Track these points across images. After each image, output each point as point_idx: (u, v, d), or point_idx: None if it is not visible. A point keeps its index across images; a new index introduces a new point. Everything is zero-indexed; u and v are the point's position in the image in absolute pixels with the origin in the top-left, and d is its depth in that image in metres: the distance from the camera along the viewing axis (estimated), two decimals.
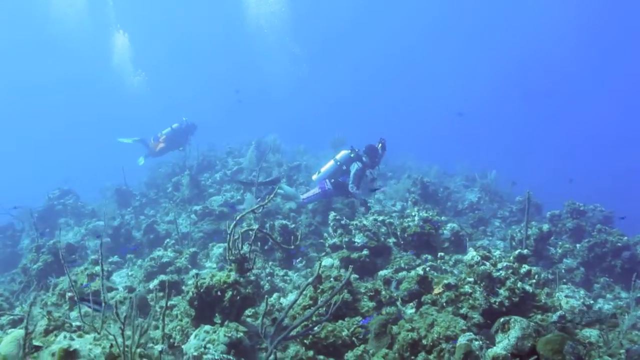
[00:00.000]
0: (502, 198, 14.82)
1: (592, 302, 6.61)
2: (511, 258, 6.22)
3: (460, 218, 12.50)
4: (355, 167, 9.69)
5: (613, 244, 9.51)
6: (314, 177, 10.36)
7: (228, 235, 5.64)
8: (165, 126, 15.99)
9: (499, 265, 5.86)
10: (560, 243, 9.79)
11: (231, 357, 4.59)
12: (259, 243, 8.85)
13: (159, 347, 3.82)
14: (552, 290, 6.61)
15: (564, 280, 8.47)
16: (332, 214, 8.14)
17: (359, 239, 7.49)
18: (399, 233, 7.81)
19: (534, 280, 6.46)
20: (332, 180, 9.96)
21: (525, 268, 6.18)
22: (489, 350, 4.06)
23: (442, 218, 9.26)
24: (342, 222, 7.90)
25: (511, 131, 49.00)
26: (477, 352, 4.01)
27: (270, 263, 8.55)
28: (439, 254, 7.91)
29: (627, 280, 9.23)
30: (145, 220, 12.62)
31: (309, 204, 10.66)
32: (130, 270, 9.55)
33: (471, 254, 5.99)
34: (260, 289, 6.68)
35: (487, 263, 5.90)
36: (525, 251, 6.23)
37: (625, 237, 9.64)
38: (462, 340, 4.18)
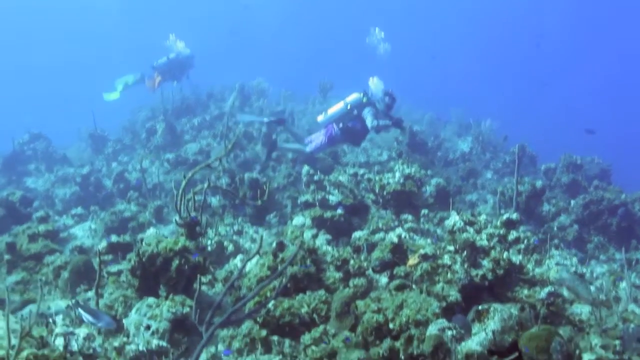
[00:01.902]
0: (496, 148, 14.12)
1: (584, 270, 6.01)
2: (498, 223, 5.59)
3: (450, 169, 11.84)
4: (368, 111, 8.56)
5: (610, 201, 8.91)
6: (319, 118, 9.26)
7: (176, 196, 4.96)
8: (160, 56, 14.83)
9: (484, 233, 5.23)
10: (554, 201, 9.18)
11: (164, 343, 3.98)
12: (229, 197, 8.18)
13: (60, 343, 3.18)
14: (542, 257, 6.01)
15: (556, 240, 7.89)
16: (305, 168, 7.43)
17: (333, 197, 6.83)
18: (377, 190, 7.13)
19: (522, 246, 5.86)
20: (341, 125, 8.86)
21: (513, 235, 5.56)
22: (463, 344, 3.46)
23: (428, 172, 8.58)
24: (316, 177, 7.20)
25: (516, 77, 47.59)
26: (449, 345, 3.41)
27: (239, 219, 7.91)
28: (422, 211, 7.28)
29: (622, 239, 8.69)
30: (117, 168, 11.92)
31: (316, 153, 9.63)
32: (93, 223, 8.90)
33: (453, 219, 5.35)
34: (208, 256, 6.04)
35: (471, 229, 5.26)
36: (514, 216, 5.60)
37: (624, 195, 9.04)
38: (433, 329, 3.57)
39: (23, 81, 44.36)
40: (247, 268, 5.45)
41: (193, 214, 5.12)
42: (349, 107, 8.79)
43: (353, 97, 8.93)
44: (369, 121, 8.37)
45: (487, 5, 52.42)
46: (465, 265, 4.73)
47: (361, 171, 8.60)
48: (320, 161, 10.39)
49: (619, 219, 8.70)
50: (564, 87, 45.71)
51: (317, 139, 8.99)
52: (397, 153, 9.07)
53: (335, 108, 8.99)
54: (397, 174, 7.08)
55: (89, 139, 14.43)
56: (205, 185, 5.15)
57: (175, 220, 5.07)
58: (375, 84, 8.87)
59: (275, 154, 9.84)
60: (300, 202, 7.24)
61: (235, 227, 7.58)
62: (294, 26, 49.95)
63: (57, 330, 3.60)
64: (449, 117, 17.54)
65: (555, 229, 8.71)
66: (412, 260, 4.90)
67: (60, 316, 4.15)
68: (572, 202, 9.38)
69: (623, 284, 6.74)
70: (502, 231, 5.47)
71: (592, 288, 6.01)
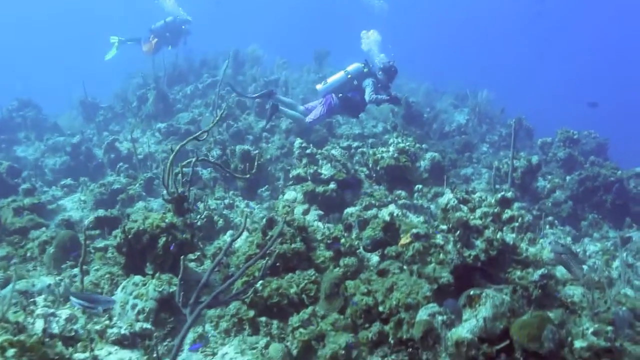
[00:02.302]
0: (492, 120, 13.96)
1: (578, 250, 5.94)
2: (493, 201, 5.48)
3: (445, 142, 11.70)
4: (369, 82, 8.37)
5: (605, 177, 8.82)
6: (319, 86, 8.99)
7: (163, 171, 4.82)
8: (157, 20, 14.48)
9: (478, 211, 5.12)
10: (550, 177, 9.08)
11: (148, 325, 3.90)
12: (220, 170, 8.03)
13: (40, 325, 3.08)
14: (535, 236, 5.92)
15: (550, 218, 7.82)
16: (297, 141, 7.27)
17: (326, 171, 6.69)
18: (371, 165, 7.00)
19: (516, 224, 5.78)
20: (340, 94, 8.59)
21: (508, 213, 5.46)
22: (453, 331, 3.38)
23: (423, 145, 8.44)
24: (308, 150, 7.05)
25: (515, 47, 46.95)
26: (439, 331, 3.34)
27: (231, 192, 7.79)
28: (417, 186, 7.18)
29: (616, 217, 8.64)
30: (108, 136, 11.71)
31: (316, 124, 9.42)
32: (82, 195, 8.76)
33: (447, 197, 5.22)
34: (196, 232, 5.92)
35: (465, 208, 5.15)
36: (509, 194, 5.49)
37: (619, 171, 8.94)
38: (423, 314, 3.50)
39: (14, 45, 43.50)
40: (237, 244, 5.37)
41: (181, 189, 4.98)
42: (349, 76, 8.57)
43: (354, 66, 8.70)
44: (367, 93, 8.18)
45: None
46: (458, 246, 4.64)
47: (355, 144, 8.46)
48: (315, 132, 10.23)
49: (614, 195, 8.62)
50: (562, 58, 45.26)
51: (316, 109, 8.78)
52: (392, 126, 8.89)
53: (335, 77, 8.75)
54: (391, 148, 6.94)
55: (80, 106, 14.15)
56: (193, 159, 4.99)
57: (163, 195, 4.94)
58: (370, 42, 8.65)
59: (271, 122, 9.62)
60: (291, 176, 7.12)
61: (227, 201, 7.47)
62: None
63: (38, 311, 3.50)
64: (446, 87, 17.30)
65: (549, 204, 8.63)
66: (404, 239, 4.80)
67: (42, 296, 4.05)
68: (568, 177, 9.28)
69: (616, 263, 6.72)
70: (496, 209, 5.37)
71: (585, 268, 5.97)
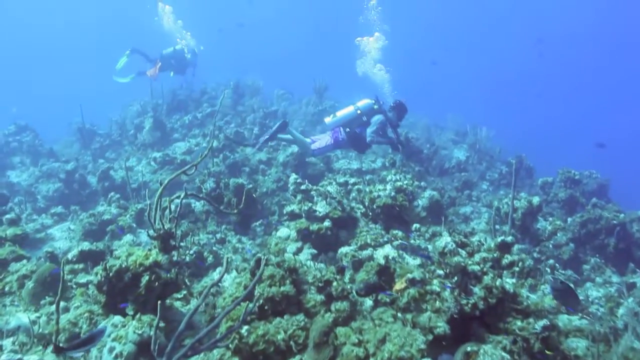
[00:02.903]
0: (492, 157, 13.83)
1: (582, 297, 5.70)
2: (492, 245, 5.28)
3: (445, 178, 11.53)
4: (377, 119, 8.39)
5: (608, 220, 8.62)
6: (328, 119, 8.91)
7: (149, 206, 4.62)
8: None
9: (477, 256, 4.91)
10: (551, 219, 8.88)
11: None
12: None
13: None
14: (537, 281, 5.70)
15: (552, 261, 7.58)
16: (292, 176, 7.08)
17: (320, 208, 6.49)
18: (367, 203, 6.81)
19: (517, 269, 5.57)
20: (348, 129, 8.57)
21: (508, 259, 5.25)
22: None
23: (422, 183, 8.26)
24: (303, 186, 6.86)
25: (514, 85, 47.34)
26: None
27: (223, 227, 7.58)
28: (414, 225, 6.97)
29: (619, 261, 8.41)
30: (103, 164, 11.56)
31: (320, 155, 9.27)
32: (72, 224, 8.55)
33: (444, 240, 5.03)
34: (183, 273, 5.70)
35: (463, 252, 4.95)
36: (509, 238, 5.28)
37: (622, 215, 8.73)
38: None
39: (14, 69, 43.76)
40: (225, 284, 5.14)
41: (168, 225, 4.78)
42: (358, 112, 8.55)
43: (364, 102, 8.68)
44: (368, 132, 8.20)
45: (488, 11, 52.16)
46: (456, 293, 4.42)
47: (352, 180, 8.28)
48: (312, 166, 10.08)
49: (616, 239, 8.41)
50: (563, 97, 45.55)
51: (323, 139, 8.70)
52: (390, 162, 8.73)
53: (345, 111, 8.73)
54: (388, 187, 6.76)
55: (78, 132, 14.05)
56: (182, 194, 4.81)
57: (148, 232, 4.73)
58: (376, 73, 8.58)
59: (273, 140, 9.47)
60: (285, 213, 6.92)
61: (218, 235, 7.27)
62: (291, 25, 49.59)
63: (3, 357, 3.27)
64: (446, 122, 17.25)
65: (550, 246, 8.42)
66: (400, 284, 4.58)
67: (11, 339, 3.81)
68: (569, 219, 9.09)
69: (621, 311, 6.48)
70: (495, 254, 5.17)
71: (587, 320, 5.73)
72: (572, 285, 5.83)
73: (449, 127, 16.63)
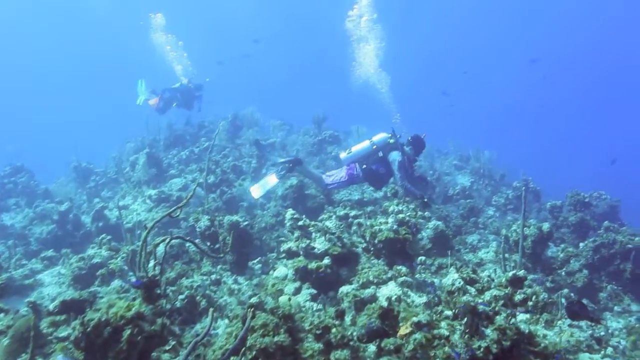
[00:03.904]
0: (497, 182, 13.50)
1: (603, 333, 5.29)
2: (503, 281, 4.91)
3: (449, 206, 11.18)
4: (397, 156, 8.22)
5: (622, 244, 8.21)
6: (343, 155, 8.75)
7: (130, 253, 4.30)
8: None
9: (487, 294, 4.54)
10: (563, 246, 8.50)
11: None
12: (208, 243, 7.49)
13: None
14: (553, 316, 5.31)
15: (566, 290, 7.17)
16: (289, 212, 6.74)
17: (319, 244, 6.14)
18: (368, 238, 6.46)
19: (531, 303, 5.18)
20: (364, 166, 8.42)
21: (520, 295, 4.87)
22: None
23: (426, 213, 7.91)
24: (301, 222, 6.52)
25: (516, 106, 47.29)
26: None
27: (219, 267, 7.22)
28: (419, 258, 6.61)
29: (637, 287, 7.98)
30: (98, 203, 11.26)
31: (333, 189, 9.15)
32: (63, 268, 8.21)
33: (452, 277, 4.66)
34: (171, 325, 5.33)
35: (472, 290, 4.57)
36: (521, 272, 4.91)
37: (637, 238, 8.33)
38: None
39: (11, 103, 43.91)
40: (217, 331, 4.77)
41: (152, 272, 4.44)
42: (374, 147, 8.40)
43: (380, 136, 8.55)
44: (396, 177, 8.11)
45: (486, 33, 52.46)
46: (466, 336, 4.04)
47: (353, 212, 7.94)
48: (312, 198, 9.77)
49: (633, 264, 8.00)
50: (562, 118, 45.43)
51: (338, 174, 8.52)
52: (392, 192, 8.41)
53: (360, 146, 8.61)
54: (390, 220, 6.41)
55: (73, 171, 13.83)
56: (168, 238, 4.48)
57: (129, 281, 4.40)
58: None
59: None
60: (282, 251, 6.57)
61: (214, 277, 6.90)
62: (288, 55, 49.91)
63: None
64: (447, 147, 17.01)
65: (563, 273, 8.01)
66: (404, 328, 4.20)
67: None
68: (581, 244, 8.70)
69: None
70: (508, 291, 4.79)
71: (610, 350, 5.32)
72: (585, 303, 5.45)
73: (451, 152, 16.38)
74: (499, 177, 13.40)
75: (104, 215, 10.12)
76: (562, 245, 8.59)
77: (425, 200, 8.06)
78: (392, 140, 8.43)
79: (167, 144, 14.32)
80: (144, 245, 4.51)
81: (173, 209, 4.68)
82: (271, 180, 8.86)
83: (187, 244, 7.99)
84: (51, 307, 5.29)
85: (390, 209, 7.17)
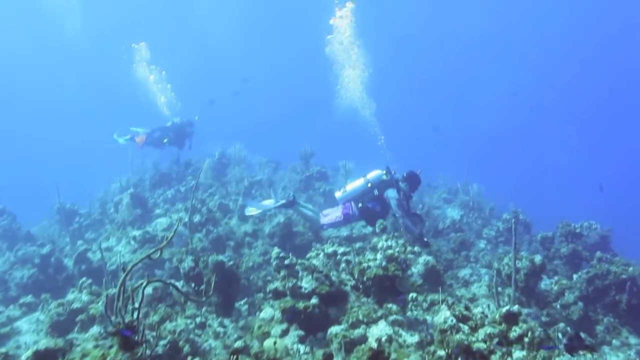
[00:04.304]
0: (487, 214, 13.40)
1: None
2: (497, 317, 4.73)
3: (440, 240, 11.03)
4: (393, 194, 8.21)
5: (616, 275, 8.06)
6: (338, 194, 8.79)
7: (106, 298, 4.09)
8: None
9: (481, 332, 4.36)
10: (556, 278, 8.35)
11: None
12: (192, 284, 7.26)
13: None
14: (550, 353, 5.10)
15: (562, 324, 6.98)
16: (275, 251, 6.56)
17: (306, 284, 5.95)
18: (356, 275, 6.27)
19: (527, 340, 4.98)
20: (360, 204, 8.43)
21: (515, 331, 4.68)
22: None
23: (416, 248, 7.75)
24: (287, 261, 6.34)
25: (500, 138, 47.70)
26: None
27: (204, 309, 6.96)
28: (410, 295, 6.41)
29: (634, 319, 7.80)
30: (81, 245, 10.98)
31: (328, 229, 9.10)
32: (42, 314, 7.91)
33: (443, 315, 4.49)
34: None
35: (465, 328, 4.39)
36: (515, 307, 4.74)
37: (631, 268, 8.20)
38: None
39: None
40: None
41: (129, 317, 4.22)
42: (369, 185, 8.39)
43: (374, 174, 8.57)
44: (397, 215, 8.13)
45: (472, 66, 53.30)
46: None
47: (341, 249, 7.76)
48: (300, 236, 9.59)
49: (628, 295, 7.84)
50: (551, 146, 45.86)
51: (334, 213, 8.46)
52: (380, 228, 8.27)
53: (355, 185, 8.63)
54: (379, 256, 6.24)
55: (57, 213, 13.55)
56: (145, 283, 4.28)
57: (105, 328, 4.17)
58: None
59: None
60: (269, 291, 6.35)
61: (199, 319, 6.64)
62: (274, 92, 50.31)
63: None
64: (437, 181, 16.96)
65: (558, 306, 7.83)
66: None
67: None
68: (575, 276, 8.55)
69: None
70: (502, 327, 4.61)
71: None
72: (583, 337, 5.27)
73: (440, 185, 16.32)
74: (488, 211, 13.30)
75: (87, 258, 9.85)
76: (556, 278, 8.43)
77: (425, 239, 8.02)
78: (386, 177, 8.40)
79: (153, 183, 14.13)
80: (121, 289, 4.30)
81: (152, 250, 4.50)
82: (268, 202, 9.21)
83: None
84: (24, 358, 5.01)
85: (379, 245, 7.00)
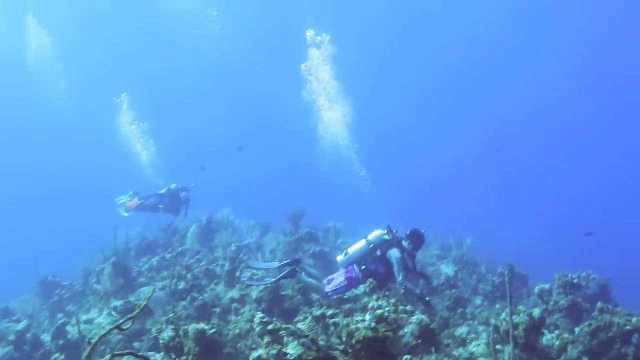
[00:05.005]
0: (482, 269, 13.09)
1: None
2: None
3: (435, 298, 10.64)
4: (395, 254, 8.06)
5: (620, 326, 7.72)
6: (339, 257, 8.63)
7: None
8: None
9: None
10: (557, 332, 7.96)
11: None
12: (172, 354, 6.82)
13: None
14: None
15: None
16: (258, 316, 6.19)
17: (291, 349, 5.55)
18: (344, 338, 5.89)
19: None
20: (363, 267, 8.24)
21: None
22: None
23: (408, 307, 7.40)
24: (271, 326, 5.96)
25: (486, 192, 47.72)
26: None
27: None
28: (404, 358, 6.01)
29: None
30: (61, 319, 10.49)
31: (334, 296, 8.72)
32: None
33: None
34: None
35: None
36: None
37: (634, 318, 7.87)
38: None
39: None
40: None
41: None
42: (371, 246, 8.24)
43: (375, 234, 8.47)
44: (398, 276, 7.98)
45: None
46: None
47: (329, 311, 7.39)
48: (288, 299, 9.21)
49: (635, 348, 7.48)
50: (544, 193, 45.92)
51: (337, 279, 8.25)
52: (369, 287, 7.95)
53: (356, 247, 8.52)
54: (368, 317, 5.88)
55: (38, 286, 13.10)
56: (108, 357, 3.92)
57: None
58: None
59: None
60: (252, 359, 5.93)
61: None
62: (267, 155, 50.59)
63: None
64: (429, 237, 16.68)
65: None
66: None
67: None
68: (577, 329, 8.20)
69: None
70: None
71: None
72: None
73: (433, 241, 16.05)
74: (483, 266, 13.01)
75: (65, 332, 9.39)
76: (557, 332, 8.04)
77: (427, 299, 7.87)
78: (387, 237, 8.24)
79: (138, 252, 13.79)
80: None
81: (122, 320, 4.16)
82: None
83: (152, 358, 7.33)
84: None
85: (370, 305, 6.65)
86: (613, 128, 52.10)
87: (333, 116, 11.13)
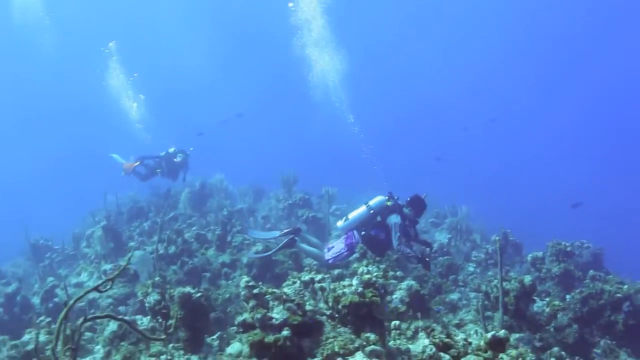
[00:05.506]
0: (476, 237, 13.00)
1: None
2: (482, 343, 4.28)
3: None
4: (395, 219, 7.91)
5: (611, 294, 7.66)
6: (339, 223, 8.50)
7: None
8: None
9: None
10: (548, 299, 7.91)
11: None
12: (158, 318, 6.76)
13: None
14: None
15: (556, 348, 6.52)
16: (243, 279, 6.07)
17: (277, 314, 5.45)
18: (331, 303, 5.80)
19: None
20: (363, 232, 8.08)
21: (503, 359, 4.23)
22: None
23: (398, 273, 7.32)
24: (256, 290, 5.85)
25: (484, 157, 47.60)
26: None
27: (170, 346, 6.45)
28: (393, 323, 5.94)
29: (632, 339, 7.37)
30: (51, 282, 10.43)
31: (335, 263, 8.55)
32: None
33: (422, 343, 4.04)
34: None
35: (447, 357, 3.94)
36: (502, 332, 4.30)
37: (625, 286, 7.81)
38: None
39: None
40: None
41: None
42: (371, 211, 8.11)
43: (376, 200, 8.30)
44: (394, 240, 7.79)
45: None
46: None
47: (318, 277, 7.31)
48: (280, 264, 9.14)
49: (625, 315, 7.42)
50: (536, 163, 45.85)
51: (337, 246, 8.10)
52: (360, 252, 7.84)
53: (357, 212, 8.34)
54: (355, 282, 5.78)
55: (29, 250, 13.02)
56: (82, 319, 3.82)
57: None
58: None
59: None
60: (237, 323, 5.85)
61: (164, 357, 6.12)
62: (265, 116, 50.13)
63: None
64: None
65: (551, 330, 7.38)
66: None
67: None
68: (568, 296, 8.15)
69: None
70: (488, 355, 4.16)
71: None
72: None
73: (428, 209, 15.92)
74: (477, 233, 12.92)
75: (55, 295, 9.33)
76: (548, 299, 7.99)
77: (427, 259, 7.81)
78: (389, 203, 8.09)
79: (130, 216, 13.65)
80: (60, 328, 3.83)
81: (101, 282, 4.05)
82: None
83: (140, 321, 7.31)
84: None
85: (360, 270, 6.55)
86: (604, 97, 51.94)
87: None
